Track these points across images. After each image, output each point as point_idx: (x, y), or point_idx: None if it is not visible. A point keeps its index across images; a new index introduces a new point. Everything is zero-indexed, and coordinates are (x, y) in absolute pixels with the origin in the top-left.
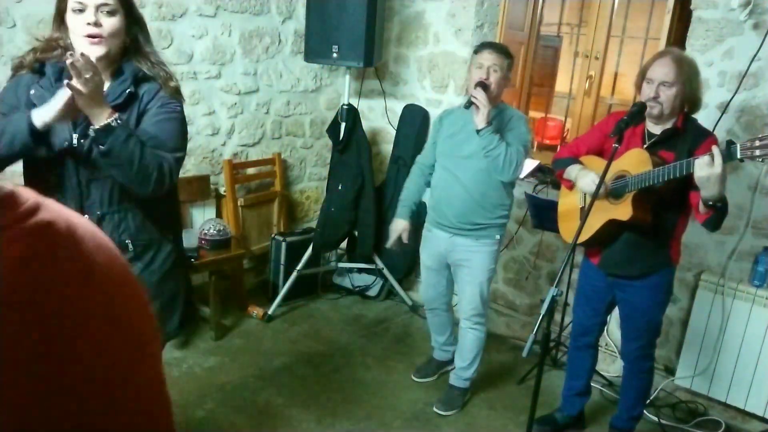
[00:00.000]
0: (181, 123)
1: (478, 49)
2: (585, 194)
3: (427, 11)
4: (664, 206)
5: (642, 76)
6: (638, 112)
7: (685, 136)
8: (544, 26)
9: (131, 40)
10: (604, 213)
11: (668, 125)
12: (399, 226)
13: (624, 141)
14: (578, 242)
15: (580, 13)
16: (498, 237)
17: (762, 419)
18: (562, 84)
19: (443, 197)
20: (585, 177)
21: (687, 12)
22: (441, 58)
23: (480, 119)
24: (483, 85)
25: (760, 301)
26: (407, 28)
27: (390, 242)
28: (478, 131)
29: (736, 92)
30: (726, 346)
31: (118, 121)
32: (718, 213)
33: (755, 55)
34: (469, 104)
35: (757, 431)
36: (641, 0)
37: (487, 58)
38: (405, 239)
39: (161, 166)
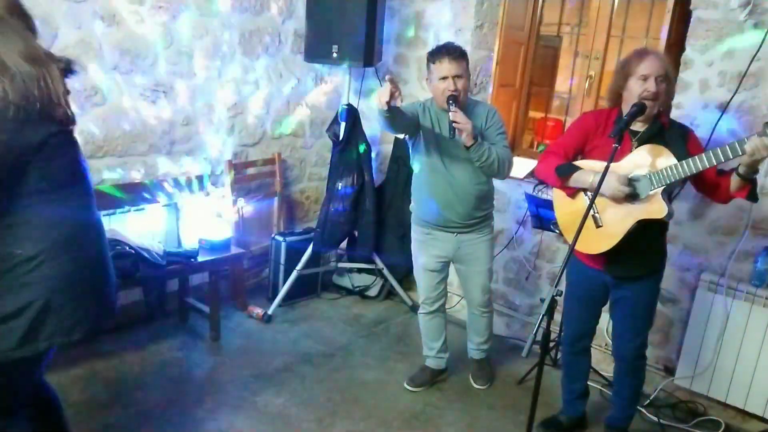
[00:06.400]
0: None
1: (435, 59)
2: (599, 198)
3: (427, 11)
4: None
5: (626, 76)
6: (638, 112)
7: (671, 131)
8: (544, 26)
9: None
10: (631, 215)
11: (648, 122)
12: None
13: (607, 140)
14: (602, 251)
15: (580, 13)
16: (493, 223)
17: (762, 419)
18: (562, 84)
19: (446, 202)
20: (607, 179)
21: (687, 12)
22: None
23: (467, 139)
24: (454, 99)
25: (760, 301)
26: (407, 28)
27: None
28: (467, 148)
29: (736, 92)
30: (726, 346)
31: None
32: (755, 183)
33: (755, 55)
34: (453, 131)
35: (756, 431)
36: (641, 0)
37: (448, 68)
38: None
39: None
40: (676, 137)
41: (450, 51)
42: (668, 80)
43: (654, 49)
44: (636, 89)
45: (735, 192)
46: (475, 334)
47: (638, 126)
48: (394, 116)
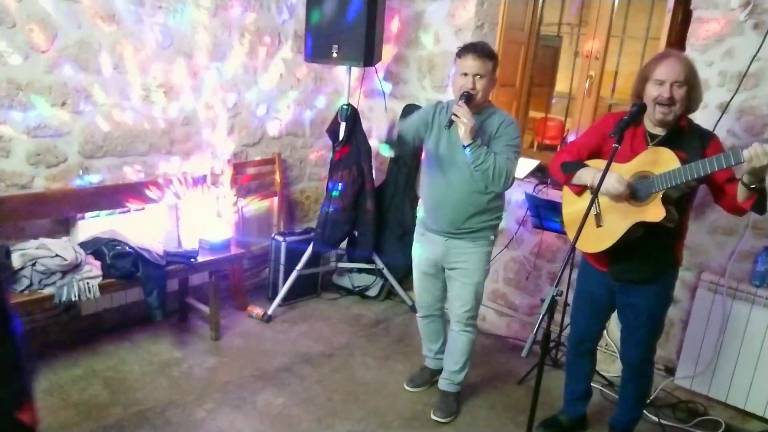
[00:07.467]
0: None
1: (461, 53)
2: (603, 198)
3: (427, 11)
4: (676, 206)
5: (644, 79)
6: (639, 112)
7: (691, 135)
8: (544, 26)
9: None
10: (629, 216)
11: (667, 127)
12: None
13: (626, 143)
14: (599, 251)
15: (580, 13)
16: (492, 238)
17: (762, 419)
18: (562, 84)
19: (437, 204)
20: (607, 179)
21: (687, 12)
22: (441, 58)
23: (464, 136)
24: (467, 96)
25: (760, 301)
26: (407, 28)
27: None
28: (464, 147)
29: (736, 92)
30: (726, 346)
31: None
32: (761, 194)
33: (755, 55)
34: (450, 123)
35: (757, 431)
36: (641, 0)
37: (471, 65)
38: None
39: None
40: (694, 142)
41: (476, 48)
42: (689, 85)
43: (677, 53)
44: (652, 93)
45: (741, 202)
46: (449, 358)
47: (658, 130)
48: (398, 146)
